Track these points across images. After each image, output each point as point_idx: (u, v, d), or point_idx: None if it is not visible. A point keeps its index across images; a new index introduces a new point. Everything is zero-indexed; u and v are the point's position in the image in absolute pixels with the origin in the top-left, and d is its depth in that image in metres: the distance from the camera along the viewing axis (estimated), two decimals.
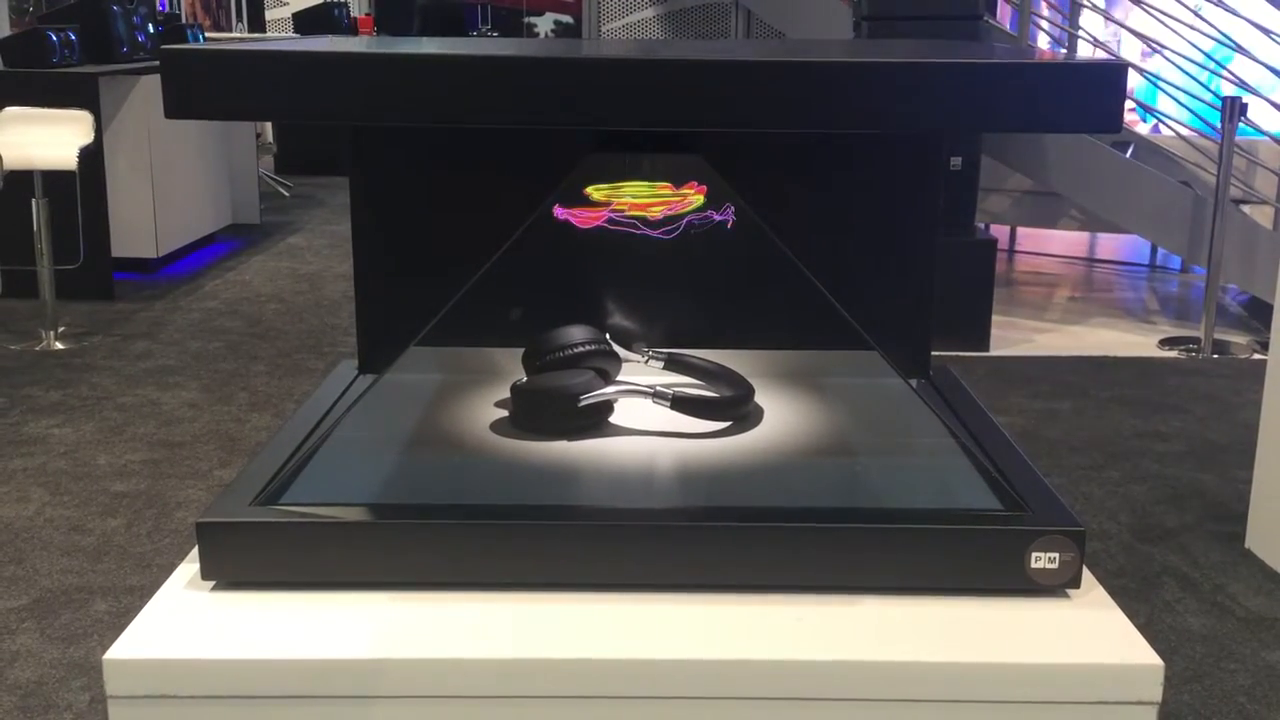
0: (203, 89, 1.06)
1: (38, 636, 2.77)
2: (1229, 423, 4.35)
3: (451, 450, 1.27)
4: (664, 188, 1.25)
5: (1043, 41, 6.91)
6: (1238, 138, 5.35)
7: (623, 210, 1.25)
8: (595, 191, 1.24)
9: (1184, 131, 6.04)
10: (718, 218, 1.25)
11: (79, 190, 5.35)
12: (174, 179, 6.41)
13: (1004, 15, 6.92)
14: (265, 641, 1.03)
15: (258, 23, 11.54)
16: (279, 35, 10.81)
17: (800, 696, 1.01)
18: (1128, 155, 6.15)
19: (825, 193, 1.45)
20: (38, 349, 4.99)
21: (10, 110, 5.00)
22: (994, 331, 5.23)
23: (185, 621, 1.05)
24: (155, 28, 6.90)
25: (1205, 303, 5.28)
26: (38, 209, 5.00)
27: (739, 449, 1.26)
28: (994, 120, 1.13)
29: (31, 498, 3.54)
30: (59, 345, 5.03)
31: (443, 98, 1.06)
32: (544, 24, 10.58)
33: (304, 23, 10.04)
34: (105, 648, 1.02)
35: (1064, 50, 6.68)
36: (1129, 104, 6.34)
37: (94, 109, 5.30)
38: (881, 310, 1.44)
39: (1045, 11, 6.72)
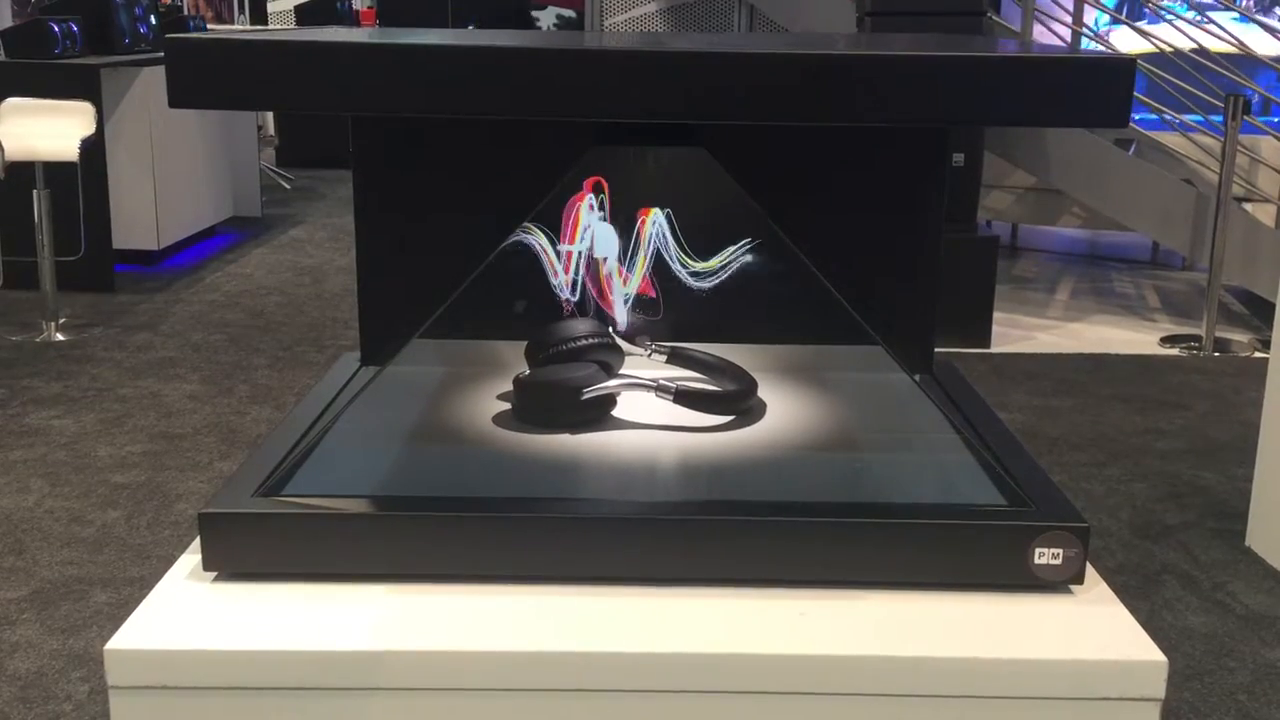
0: (208, 78, 1.06)
1: (37, 627, 2.77)
2: (1230, 420, 4.35)
3: (454, 443, 1.27)
4: None
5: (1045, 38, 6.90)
6: (1240, 135, 5.35)
7: None
8: None
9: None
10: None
11: (80, 182, 5.34)
12: (175, 171, 6.41)
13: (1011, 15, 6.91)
14: (267, 633, 1.02)
15: (259, 15, 11.52)
16: (281, 27, 10.80)
17: (803, 691, 1.01)
18: (1130, 153, 6.15)
19: (829, 187, 1.45)
20: (38, 340, 4.99)
21: (12, 101, 4.99)
22: (995, 328, 5.22)
23: (187, 612, 1.05)
24: (157, 19, 6.89)
25: (1207, 300, 5.27)
26: (39, 200, 5.00)
27: (742, 443, 1.26)
28: (1003, 114, 1.13)
29: (31, 489, 3.54)
30: (60, 337, 5.03)
31: (447, 89, 1.05)
32: (546, 17, 10.56)
33: (306, 15, 10.02)
34: (105, 639, 1.02)
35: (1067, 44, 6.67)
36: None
37: (96, 100, 5.29)
38: (885, 305, 1.44)
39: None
